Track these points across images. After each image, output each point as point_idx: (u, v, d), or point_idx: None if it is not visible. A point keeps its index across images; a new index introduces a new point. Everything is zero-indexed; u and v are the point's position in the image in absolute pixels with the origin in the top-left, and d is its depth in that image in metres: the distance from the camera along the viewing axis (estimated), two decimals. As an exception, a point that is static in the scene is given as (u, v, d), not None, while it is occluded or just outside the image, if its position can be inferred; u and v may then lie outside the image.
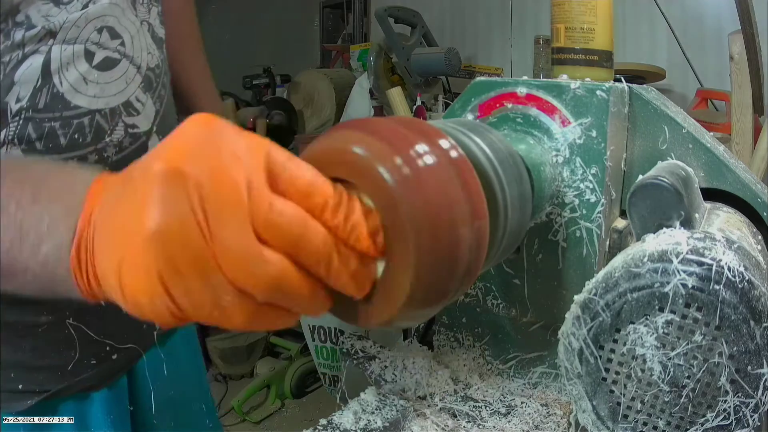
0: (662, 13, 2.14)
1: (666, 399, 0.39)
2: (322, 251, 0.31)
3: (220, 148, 0.30)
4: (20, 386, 0.70)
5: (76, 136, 0.62)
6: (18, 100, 0.59)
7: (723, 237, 0.39)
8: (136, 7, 0.67)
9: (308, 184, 0.31)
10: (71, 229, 0.34)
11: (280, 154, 0.31)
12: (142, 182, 0.30)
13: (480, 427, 0.52)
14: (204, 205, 0.29)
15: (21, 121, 0.60)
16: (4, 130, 0.59)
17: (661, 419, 0.40)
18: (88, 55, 0.62)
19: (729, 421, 0.38)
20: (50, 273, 0.36)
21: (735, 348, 0.37)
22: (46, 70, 0.60)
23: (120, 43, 0.65)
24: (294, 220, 0.30)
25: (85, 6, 0.63)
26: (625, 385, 0.40)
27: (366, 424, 0.52)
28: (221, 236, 0.29)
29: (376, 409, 0.54)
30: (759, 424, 0.38)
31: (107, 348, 0.71)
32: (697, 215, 0.45)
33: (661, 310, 0.38)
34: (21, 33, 0.59)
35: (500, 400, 0.56)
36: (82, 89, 0.62)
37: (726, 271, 0.36)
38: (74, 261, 0.34)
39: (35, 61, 0.60)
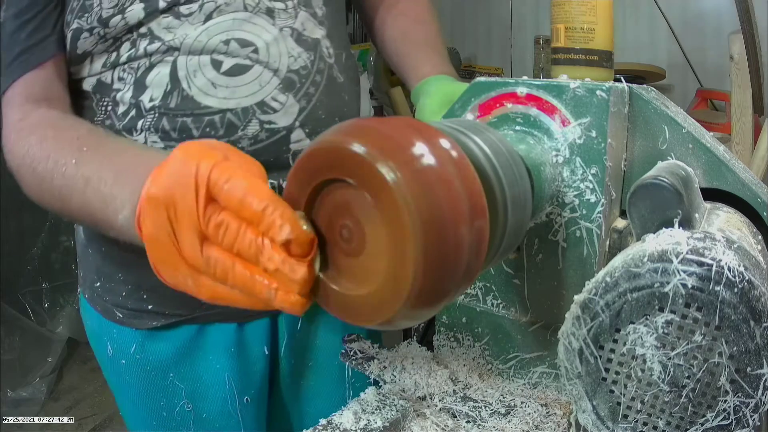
0: (662, 13, 2.14)
1: (666, 399, 0.39)
2: (248, 251, 0.39)
3: (181, 183, 0.40)
4: (149, 307, 0.74)
5: (208, 129, 0.66)
6: (151, 100, 0.66)
7: (723, 237, 0.39)
8: (274, 16, 0.68)
9: (239, 202, 0.39)
10: (133, 214, 0.46)
11: (220, 177, 0.40)
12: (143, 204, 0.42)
13: (480, 427, 0.52)
14: (172, 222, 0.41)
15: (156, 116, 0.66)
16: (141, 121, 0.66)
17: (661, 419, 0.40)
18: (215, 64, 0.66)
19: (729, 421, 0.38)
20: (127, 233, 0.50)
21: (735, 348, 0.37)
22: (174, 76, 0.65)
23: (252, 50, 0.67)
24: (228, 230, 0.40)
25: (208, 18, 0.65)
26: (625, 385, 0.40)
27: (366, 424, 0.52)
28: (180, 242, 0.41)
29: (376, 409, 0.54)
30: (759, 424, 0.38)
31: None
32: (697, 215, 0.45)
33: (661, 310, 0.38)
34: (144, 45, 0.64)
35: (500, 400, 0.56)
36: (211, 92, 0.66)
37: (726, 271, 0.36)
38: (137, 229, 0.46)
39: (163, 69, 0.65)
